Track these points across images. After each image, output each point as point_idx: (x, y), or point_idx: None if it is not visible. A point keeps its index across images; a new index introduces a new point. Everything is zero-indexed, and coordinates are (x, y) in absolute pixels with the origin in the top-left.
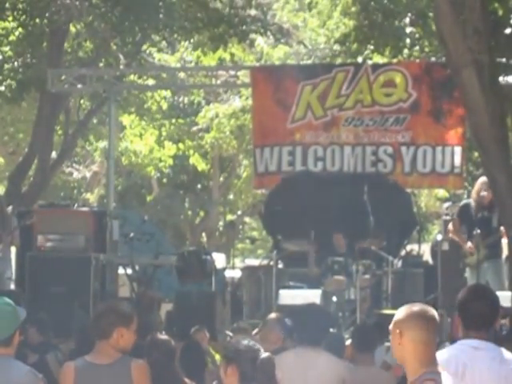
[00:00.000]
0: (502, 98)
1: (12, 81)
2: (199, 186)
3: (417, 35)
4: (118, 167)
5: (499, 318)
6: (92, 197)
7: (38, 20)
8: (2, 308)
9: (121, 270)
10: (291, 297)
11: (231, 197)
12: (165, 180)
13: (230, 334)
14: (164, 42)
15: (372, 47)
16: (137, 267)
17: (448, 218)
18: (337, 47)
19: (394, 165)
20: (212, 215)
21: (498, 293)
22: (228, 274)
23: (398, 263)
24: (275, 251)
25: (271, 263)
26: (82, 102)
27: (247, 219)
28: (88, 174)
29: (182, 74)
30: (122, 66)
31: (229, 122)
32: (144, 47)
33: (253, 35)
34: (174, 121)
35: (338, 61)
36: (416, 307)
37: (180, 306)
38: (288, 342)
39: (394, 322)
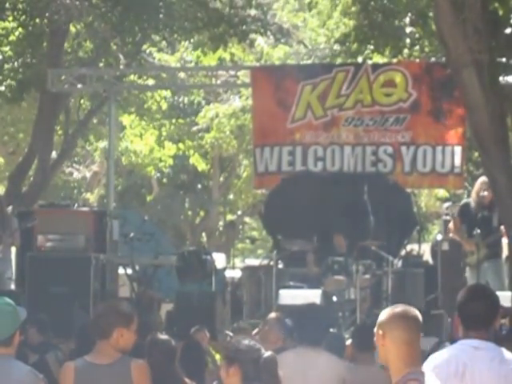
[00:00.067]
0: (502, 98)
1: (12, 81)
2: (199, 185)
3: (417, 35)
4: (118, 167)
5: (499, 317)
6: (92, 197)
7: (37, 20)
8: (2, 308)
9: (121, 270)
10: (291, 297)
11: (231, 197)
12: (165, 180)
13: (230, 333)
14: (164, 42)
15: (372, 47)
16: (137, 267)
17: (448, 217)
18: (337, 47)
19: (394, 165)
20: (212, 215)
21: (498, 293)
22: (228, 273)
23: (398, 263)
24: (275, 251)
25: (271, 263)
26: (82, 101)
27: (247, 219)
28: (88, 174)
29: (182, 74)
30: (122, 66)
31: (229, 121)
32: (144, 47)
33: (253, 35)
34: (174, 121)
35: (338, 61)
36: (398, 308)
37: (180, 306)
38: (288, 341)
39: (378, 323)
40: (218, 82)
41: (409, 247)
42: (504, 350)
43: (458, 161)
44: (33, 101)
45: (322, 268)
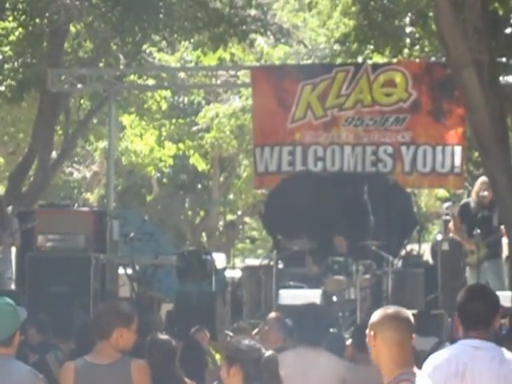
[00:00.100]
0: (502, 98)
1: (12, 81)
2: (199, 185)
3: (417, 35)
4: (118, 167)
5: (499, 317)
6: (92, 197)
7: (38, 20)
8: (2, 308)
9: (121, 270)
10: (291, 297)
11: (231, 197)
12: (165, 180)
13: (230, 333)
14: (164, 42)
15: (372, 47)
16: (137, 267)
17: (448, 217)
18: (337, 47)
19: (394, 164)
20: (212, 215)
21: (498, 292)
22: (228, 273)
23: (398, 263)
24: (275, 251)
25: (271, 263)
26: (82, 101)
27: (247, 219)
28: (88, 174)
29: (182, 74)
30: (122, 66)
31: (229, 121)
32: (144, 47)
33: (253, 35)
34: (174, 121)
35: (338, 61)
36: (390, 309)
37: (180, 306)
38: (288, 341)
39: (369, 324)
40: (218, 82)
41: (409, 247)
42: (504, 350)
43: (458, 161)
44: (33, 101)
45: (322, 268)
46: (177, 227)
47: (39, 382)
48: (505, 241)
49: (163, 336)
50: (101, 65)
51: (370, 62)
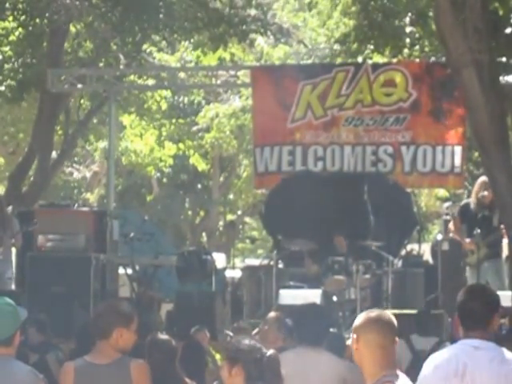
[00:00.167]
0: (502, 98)
1: (12, 81)
2: (199, 185)
3: (417, 35)
4: (118, 167)
5: (498, 317)
6: (92, 197)
7: (38, 20)
8: (2, 308)
9: (121, 270)
10: (291, 297)
11: (231, 197)
12: (165, 180)
13: (230, 333)
14: (164, 42)
15: (372, 47)
16: (137, 267)
17: (448, 217)
18: (337, 47)
19: (394, 164)
20: (212, 215)
21: (499, 292)
22: (228, 273)
23: (399, 263)
24: (275, 251)
25: (271, 263)
26: (82, 101)
27: (247, 219)
28: (88, 174)
29: (182, 74)
30: (122, 66)
31: (229, 121)
32: (144, 47)
33: (253, 35)
34: (174, 121)
35: (338, 60)
36: (373, 313)
37: (180, 306)
38: (289, 341)
39: (353, 327)
40: (218, 81)
41: (409, 247)
42: (504, 350)
43: (458, 161)
44: (33, 101)
45: (322, 268)
46: (177, 227)
47: (39, 382)
48: (505, 241)
49: (163, 336)
50: (101, 65)
51: (370, 61)
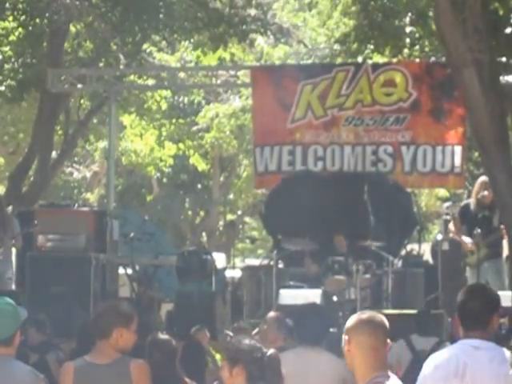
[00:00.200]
0: (502, 98)
1: (12, 81)
2: (199, 185)
3: (417, 35)
4: (118, 167)
5: (497, 316)
6: (92, 197)
7: (38, 20)
8: (2, 308)
9: (121, 270)
10: (291, 296)
11: (231, 196)
12: (165, 180)
13: (230, 333)
14: (164, 42)
15: (372, 47)
16: (137, 267)
17: (448, 217)
18: (337, 47)
19: (394, 164)
20: (212, 215)
21: (499, 292)
22: (228, 273)
23: (399, 263)
24: (275, 251)
25: (271, 263)
26: (82, 101)
27: (247, 219)
28: (88, 174)
29: (182, 74)
30: (122, 66)
31: (229, 121)
32: (144, 47)
33: (253, 35)
34: (174, 121)
35: (338, 60)
36: (364, 314)
37: (180, 306)
38: (289, 341)
39: (344, 329)
40: (218, 81)
41: (409, 247)
42: (504, 350)
43: (458, 160)
44: (33, 101)
45: (323, 268)
46: (177, 227)
47: (40, 381)
48: (505, 241)
49: (163, 336)
50: (101, 65)
51: (370, 61)
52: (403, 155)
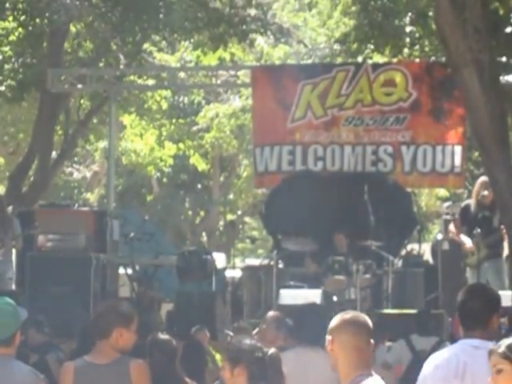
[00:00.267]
0: (502, 98)
1: (12, 81)
2: (199, 185)
3: (417, 34)
4: (118, 167)
5: (497, 316)
6: (92, 197)
7: (38, 20)
8: (3, 308)
9: (121, 270)
10: (292, 296)
11: (231, 196)
12: (165, 180)
13: (231, 333)
14: (164, 42)
15: (372, 47)
16: (137, 267)
17: (448, 217)
18: (337, 47)
19: (394, 164)
20: (212, 215)
21: (499, 292)
22: (228, 273)
23: (399, 263)
24: (275, 251)
25: (271, 263)
26: (82, 101)
27: (247, 219)
28: (88, 174)
29: (182, 74)
30: (122, 66)
31: (229, 121)
32: (144, 47)
33: (253, 35)
34: (174, 121)
35: (338, 60)
36: (348, 314)
37: (180, 306)
38: (289, 341)
39: (328, 329)
40: (218, 81)
41: (409, 247)
42: None
43: (458, 160)
44: (33, 101)
45: (323, 268)
46: (177, 227)
47: (40, 382)
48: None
49: (164, 336)
50: (101, 65)
51: (370, 61)
52: (403, 155)
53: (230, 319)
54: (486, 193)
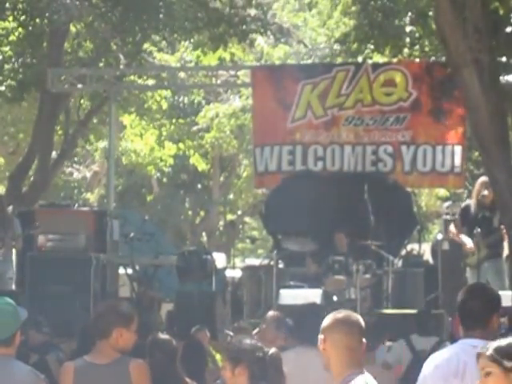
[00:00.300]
0: (502, 97)
1: (12, 81)
2: (199, 185)
3: (417, 34)
4: (118, 167)
5: (497, 316)
6: (92, 197)
7: (38, 20)
8: (3, 308)
9: (121, 270)
10: (292, 296)
11: (231, 196)
12: (165, 180)
13: (231, 333)
14: (164, 42)
15: (372, 46)
16: (137, 267)
17: (448, 217)
18: (337, 47)
19: (394, 164)
20: (212, 215)
21: (499, 292)
22: (228, 273)
23: (399, 263)
24: (275, 251)
25: (272, 263)
26: (82, 101)
27: (247, 219)
28: (88, 174)
29: (182, 74)
30: (122, 66)
31: (229, 121)
32: (144, 47)
33: (253, 35)
34: (174, 121)
35: (338, 60)
36: (340, 314)
37: (181, 306)
38: (290, 341)
39: (321, 328)
40: (218, 81)
41: (409, 247)
42: None
43: (458, 160)
44: (33, 101)
45: (323, 268)
46: (177, 227)
47: (40, 382)
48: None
49: (164, 336)
50: (101, 65)
51: (370, 61)
52: (403, 155)
53: (230, 319)
54: (486, 193)
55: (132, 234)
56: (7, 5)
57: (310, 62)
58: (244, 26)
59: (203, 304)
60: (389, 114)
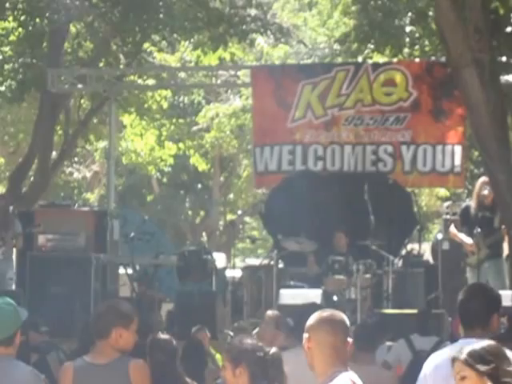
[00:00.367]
0: (502, 97)
1: (12, 81)
2: (200, 185)
3: (417, 34)
4: (118, 167)
5: (498, 316)
6: (92, 197)
7: (38, 20)
8: (3, 308)
9: (121, 270)
10: (292, 296)
11: (231, 196)
12: (165, 180)
13: (231, 333)
14: (164, 42)
15: (372, 46)
16: (137, 267)
17: (448, 217)
18: (337, 46)
19: (395, 164)
20: (212, 215)
21: (499, 292)
22: (228, 273)
23: (399, 263)
24: (276, 251)
25: (272, 263)
26: (82, 101)
27: (248, 219)
28: (88, 174)
29: (182, 74)
30: (122, 66)
31: (229, 121)
32: (144, 47)
33: (253, 35)
34: (174, 120)
35: (339, 60)
36: (325, 313)
37: (181, 306)
38: (290, 340)
39: (305, 327)
40: (218, 81)
41: (409, 246)
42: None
43: (458, 160)
44: (33, 101)
45: (323, 267)
46: (177, 227)
47: (40, 382)
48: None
49: (164, 336)
50: (101, 65)
51: (370, 61)
52: (403, 155)
53: (230, 319)
54: (486, 193)
55: (132, 234)
56: (7, 5)
57: (309, 61)
58: (244, 26)
59: (203, 304)
60: (389, 114)
